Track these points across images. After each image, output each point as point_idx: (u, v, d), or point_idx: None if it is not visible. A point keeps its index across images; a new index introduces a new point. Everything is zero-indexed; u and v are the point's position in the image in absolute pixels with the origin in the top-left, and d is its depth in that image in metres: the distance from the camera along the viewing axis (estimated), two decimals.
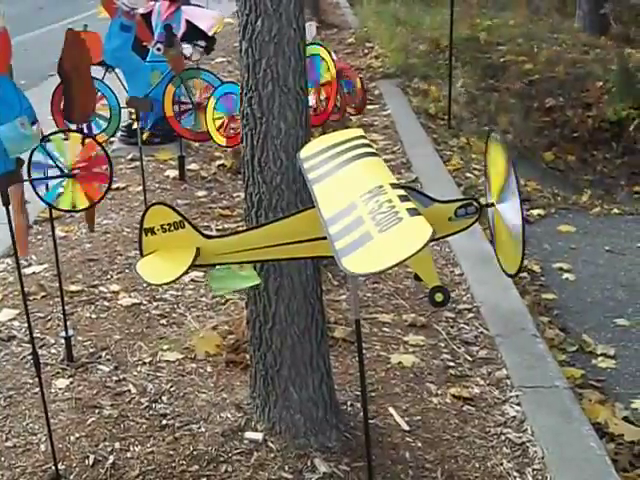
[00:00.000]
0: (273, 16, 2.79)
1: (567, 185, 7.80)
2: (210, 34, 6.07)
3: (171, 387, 3.54)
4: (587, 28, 12.26)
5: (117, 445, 3.16)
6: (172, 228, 2.55)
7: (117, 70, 6.01)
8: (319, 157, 2.61)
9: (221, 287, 2.59)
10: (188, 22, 6.06)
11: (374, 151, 2.56)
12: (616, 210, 6.50)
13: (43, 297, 4.31)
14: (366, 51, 11.22)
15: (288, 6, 2.80)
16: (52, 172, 3.21)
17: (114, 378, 3.61)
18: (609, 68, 10.06)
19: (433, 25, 12.02)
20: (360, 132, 2.80)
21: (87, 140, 3.26)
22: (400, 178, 6.13)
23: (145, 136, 6.20)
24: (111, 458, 3.08)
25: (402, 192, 2.14)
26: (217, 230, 5.13)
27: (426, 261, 2.57)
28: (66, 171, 3.20)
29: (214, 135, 5.38)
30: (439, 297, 2.48)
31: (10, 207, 2.81)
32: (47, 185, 3.23)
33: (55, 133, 3.24)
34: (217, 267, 2.64)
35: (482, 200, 2.61)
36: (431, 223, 2.35)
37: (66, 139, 3.23)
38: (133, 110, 5.75)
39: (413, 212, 2.01)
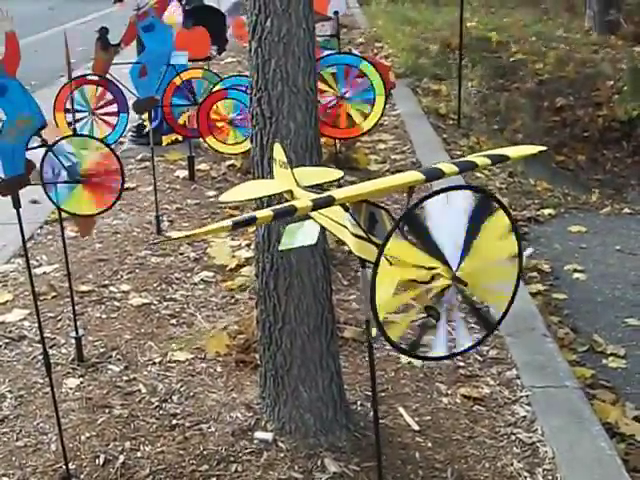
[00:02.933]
0: (282, 16, 2.79)
1: (577, 185, 7.79)
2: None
3: (181, 387, 3.54)
4: (597, 28, 12.22)
5: (127, 445, 3.17)
6: (283, 166, 2.67)
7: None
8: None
9: (288, 242, 2.59)
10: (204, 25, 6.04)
11: (443, 170, 2.21)
12: (627, 210, 6.49)
13: (53, 297, 4.32)
14: (375, 51, 11.21)
15: (297, 6, 2.80)
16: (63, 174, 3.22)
17: (124, 378, 3.62)
18: (619, 67, 10.04)
19: (443, 25, 12.01)
20: (529, 151, 2.55)
21: (105, 149, 3.27)
22: None
23: (167, 141, 6.19)
24: (121, 458, 3.09)
25: (300, 205, 2.07)
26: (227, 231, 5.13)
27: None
28: (78, 176, 3.21)
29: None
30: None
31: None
32: (56, 187, 3.24)
33: (78, 136, 3.25)
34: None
35: None
36: None
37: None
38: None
39: (245, 220, 2.03)
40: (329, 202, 2.10)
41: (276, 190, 2.69)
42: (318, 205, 2.10)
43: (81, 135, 3.34)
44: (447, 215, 2.08)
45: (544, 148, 2.59)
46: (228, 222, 1.99)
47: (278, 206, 2.09)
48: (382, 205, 2.32)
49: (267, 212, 2.03)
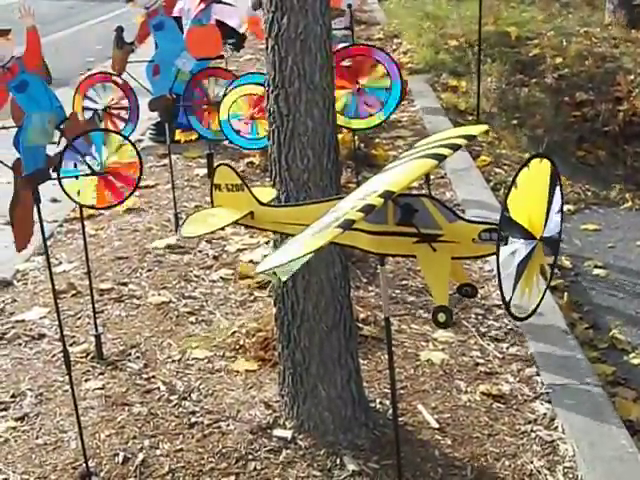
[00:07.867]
0: (299, 13, 2.79)
1: (598, 180, 7.73)
2: (241, 31, 6.03)
3: (200, 385, 3.55)
4: (617, 22, 12.12)
5: (147, 442, 3.18)
6: (234, 189, 2.71)
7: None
8: (414, 149, 2.59)
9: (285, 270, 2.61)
10: (217, 20, 6.03)
11: (444, 153, 2.38)
12: None
13: (73, 295, 4.34)
14: (394, 47, 11.17)
15: (314, 2, 2.79)
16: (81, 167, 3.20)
17: (144, 376, 3.63)
18: None
19: (462, 20, 11.94)
20: (480, 129, 2.75)
21: (125, 143, 3.26)
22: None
23: (180, 136, 6.16)
24: (141, 455, 3.10)
25: (377, 202, 2.13)
26: (244, 227, 5.13)
27: (441, 277, 2.41)
28: (97, 169, 3.19)
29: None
30: (442, 317, 2.34)
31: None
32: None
33: (102, 130, 3.23)
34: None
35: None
36: (455, 240, 2.34)
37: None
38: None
39: (345, 223, 2.06)
40: (390, 196, 2.17)
41: (238, 216, 2.71)
42: (385, 200, 2.16)
43: (111, 131, 3.31)
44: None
45: (486, 127, 2.93)
46: (338, 229, 2.03)
47: (361, 205, 2.13)
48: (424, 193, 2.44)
49: (359, 214, 2.10)
